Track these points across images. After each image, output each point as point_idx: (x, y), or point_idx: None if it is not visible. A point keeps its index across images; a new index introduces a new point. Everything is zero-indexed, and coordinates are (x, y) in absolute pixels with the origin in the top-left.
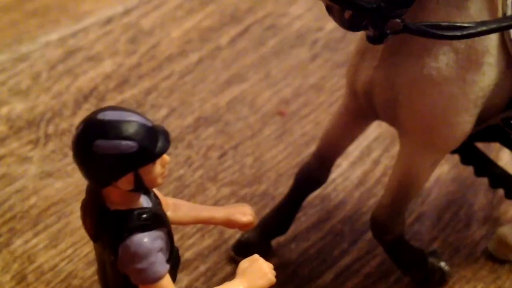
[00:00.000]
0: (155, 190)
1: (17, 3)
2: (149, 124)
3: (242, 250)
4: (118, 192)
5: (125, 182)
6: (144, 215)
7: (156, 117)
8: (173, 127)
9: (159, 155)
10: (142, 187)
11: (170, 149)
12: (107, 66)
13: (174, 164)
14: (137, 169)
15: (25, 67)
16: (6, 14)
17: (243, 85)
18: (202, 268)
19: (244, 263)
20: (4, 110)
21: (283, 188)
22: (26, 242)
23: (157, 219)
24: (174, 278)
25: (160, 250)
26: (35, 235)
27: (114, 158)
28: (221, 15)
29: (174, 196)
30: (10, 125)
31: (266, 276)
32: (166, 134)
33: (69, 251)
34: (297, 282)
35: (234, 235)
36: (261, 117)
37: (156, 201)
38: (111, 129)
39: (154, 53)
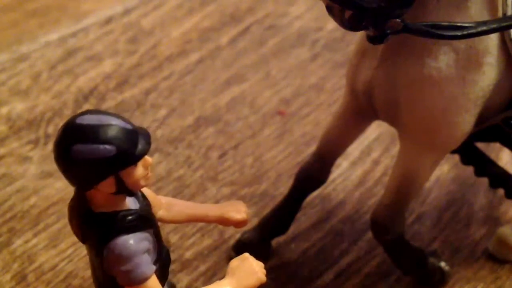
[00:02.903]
0: (145, 190)
1: (17, 3)
2: (129, 127)
3: (242, 250)
4: (101, 195)
5: (107, 186)
6: (129, 217)
7: (156, 117)
8: (173, 127)
9: (138, 157)
10: (125, 190)
11: (170, 149)
12: (107, 66)
13: (174, 164)
14: (117, 172)
15: (25, 67)
16: (6, 14)
17: (243, 85)
18: (202, 268)
19: (234, 262)
20: (4, 110)
21: (283, 188)
22: (26, 242)
23: (143, 221)
24: (165, 278)
25: (146, 251)
26: (35, 235)
27: (93, 162)
28: (221, 15)
29: (174, 196)
30: (10, 125)
31: (255, 275)
32: (147, 136)
33: (69, 251)
34: (297, 282)
35: (234, 235)
36: (261, 117)
37: (144, 202)
38: (89, 134)
39: (154, 53)
